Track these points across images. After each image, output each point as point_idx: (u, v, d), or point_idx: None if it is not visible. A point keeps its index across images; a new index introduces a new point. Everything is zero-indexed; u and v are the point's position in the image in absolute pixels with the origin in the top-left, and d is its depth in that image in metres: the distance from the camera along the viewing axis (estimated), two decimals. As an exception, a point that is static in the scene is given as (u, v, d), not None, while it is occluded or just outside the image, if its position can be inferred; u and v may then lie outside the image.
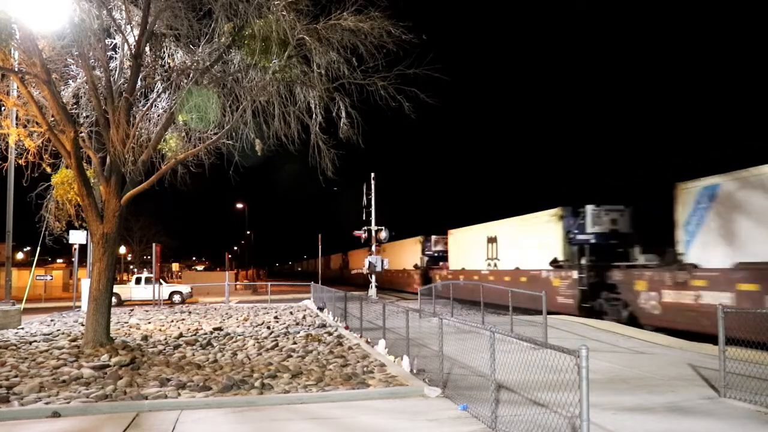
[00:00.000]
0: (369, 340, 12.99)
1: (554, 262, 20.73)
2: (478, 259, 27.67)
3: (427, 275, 35.99)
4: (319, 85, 11.91)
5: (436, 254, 36.12)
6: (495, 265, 25.86)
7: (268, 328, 15.98)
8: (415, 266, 38.25)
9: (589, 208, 18.72)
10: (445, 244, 34.53)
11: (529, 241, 22.75)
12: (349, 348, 11.92)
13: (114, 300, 28.87)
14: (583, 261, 19.08)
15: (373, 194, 30.46)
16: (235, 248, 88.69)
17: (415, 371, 9.33)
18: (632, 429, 6.45)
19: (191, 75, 11.65)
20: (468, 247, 29.51)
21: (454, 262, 31.51)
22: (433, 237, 36.71)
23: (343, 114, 12.29)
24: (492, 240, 26.43)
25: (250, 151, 12.72)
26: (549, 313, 14.30)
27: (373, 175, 30.60)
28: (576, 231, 19.36)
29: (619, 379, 9.01)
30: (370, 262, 30.31)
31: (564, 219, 20.26)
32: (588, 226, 18.78)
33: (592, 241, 18.79)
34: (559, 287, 20.31)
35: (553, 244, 20.95)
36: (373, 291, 29.98)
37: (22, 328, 16.49)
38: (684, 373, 9.42)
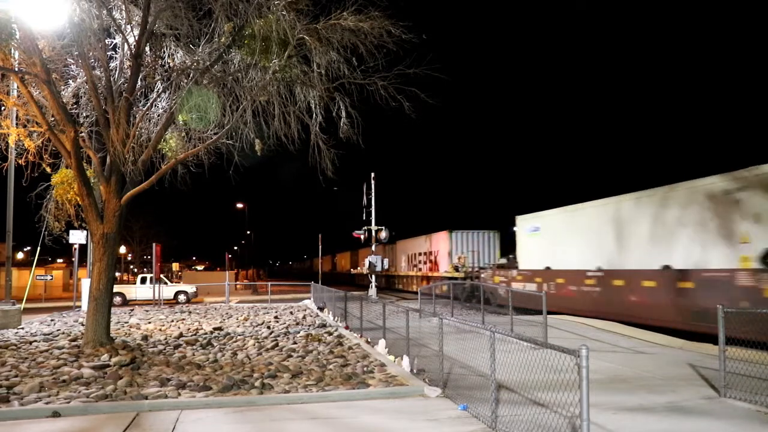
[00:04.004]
0: (369, 339, 12.99)
1: None
2: (579, 254, 18.85)
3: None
4: (319, 85, 11.91)
5: None
6: (613, 262, 17.13)
7: (268, 327, 15.98)
8: (456, 268, 30.38)
9: None
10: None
11: (698, 225, 14.03)
12: (349, 348, 11.92)
13: (119, 299, 29.18)
14: None
15: (373, 194, 30.49)
16: (235, 248, 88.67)
17: (415, 371, 9.33)
18: (632, 429, 6.44)
19: (191, 75, 11.64)
20: (557, 239, 20.63)
21: (530, 260, 22.46)
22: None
23: (343, 114, 12.28)
24: (607, 225, 17.54)
25: (250, 151, 12.72)
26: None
27: (373, 175, 30.63)
28: None
29: (620, 379, 9.01)
30: (370, 262, 30.33)
31: None
32: None
33: None
34: None
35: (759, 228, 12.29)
36: (373, 291, 29.98)
37: (22, 328, 16.48)
38: (684, 373, 9.42)
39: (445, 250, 31.92)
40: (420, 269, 36.67)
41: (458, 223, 33.29)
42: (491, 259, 30.02)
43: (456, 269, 29.65)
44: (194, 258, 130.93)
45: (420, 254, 36.81)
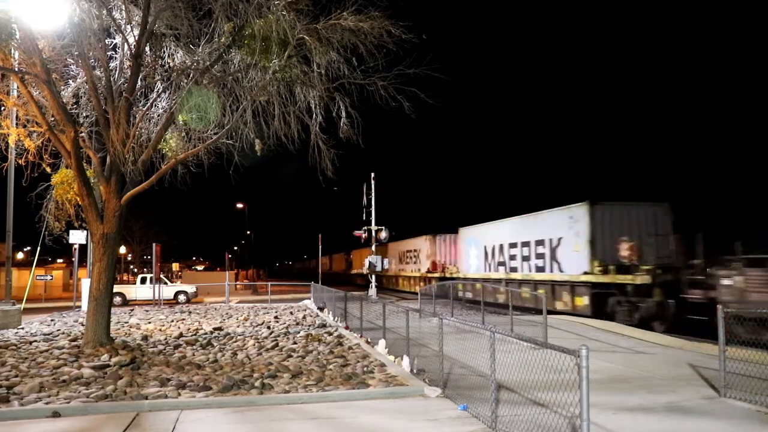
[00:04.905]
0: (369, 340, 12.98)
1: None
2: None
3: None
4: (319, 85, 11.91)
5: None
6: None
7: (268, 328, 15.98)
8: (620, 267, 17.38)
9: None
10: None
11: None
12: (349, 348, 11.92)
13: (119, 299, 29.19)
14: None
15: (373, 194, 30.53)
16: (235, 248, 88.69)
17: (415, 371, 9.33)
18: (632, 429, 6.44)
19: (191, 75, 11.64)
20: None
21: None
22: None
23: (343, 114, 12.28)
24: None
25: (250, 151, 12.72)
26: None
27: (373, 175, 30.65)
28: None
29: (620, 379, 9.01)
30: (370, 262, 30.40)
31: None
32: None
33: None
34: None
35: None
36: (373, 291, 30.01)
37: (22, 328, 16.48)
38: (684, 373, 9.42)
39: (580, 233, 18.58)
40: (514, 269, 23.05)
41: (458, 223, 30.80)
42: (654, 249, 16.64)
43: (619, 269, 17.02)
44: (194, 258, 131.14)
45: (515, 245, 22.95)
